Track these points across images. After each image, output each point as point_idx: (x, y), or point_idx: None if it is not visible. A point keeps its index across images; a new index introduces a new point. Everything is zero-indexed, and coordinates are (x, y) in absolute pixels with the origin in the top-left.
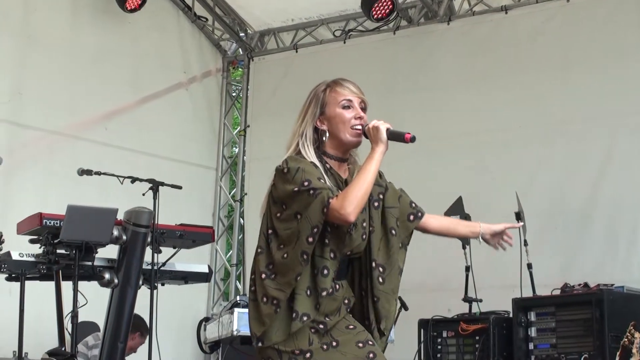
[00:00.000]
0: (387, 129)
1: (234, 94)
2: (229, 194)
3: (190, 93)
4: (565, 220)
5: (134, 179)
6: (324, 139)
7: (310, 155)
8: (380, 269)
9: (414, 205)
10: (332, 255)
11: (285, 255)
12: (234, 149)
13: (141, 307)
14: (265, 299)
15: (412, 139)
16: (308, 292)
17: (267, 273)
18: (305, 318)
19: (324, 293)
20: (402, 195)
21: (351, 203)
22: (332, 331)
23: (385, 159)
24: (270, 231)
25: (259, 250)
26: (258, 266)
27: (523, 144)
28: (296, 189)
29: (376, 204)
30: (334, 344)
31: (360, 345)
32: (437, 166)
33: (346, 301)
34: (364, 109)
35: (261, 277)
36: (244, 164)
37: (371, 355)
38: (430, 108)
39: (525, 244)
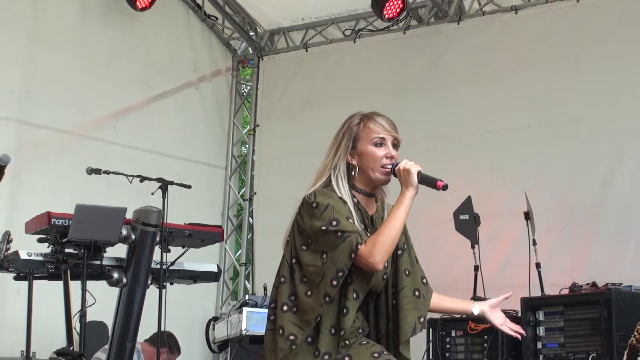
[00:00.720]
0: (419, 173)
1: (243, 93)
2: (238, 193)
3: (200, 92)
4: (574, 219)
5: (143, 178)
6: (353, 173)
7: (343, 191)
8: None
9: (425, 281)
10: (354, 295)
11: (308, 293)
12: (244, 148)
13: (150, 307)
14: (282, 332)
15: (445, 187)
16: (332, 331)
17: (289, 305)
18: (327, 357)
19: (343, 332)
20: (416, 264)
21: (380, 252)
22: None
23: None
24: (294, 261)
25: (282, 279)
26: (280, 296)
27: (533, 144)
28: (324, 227)
29: (399, 252)
30: (346, 359)
31: (376, 355)
32: (446, 166)
33: (360, 331)
34: (396, 146)
35: (282, 309)
36: (253, 163)
37: None
38: (440, 108)
39: (534, 243)
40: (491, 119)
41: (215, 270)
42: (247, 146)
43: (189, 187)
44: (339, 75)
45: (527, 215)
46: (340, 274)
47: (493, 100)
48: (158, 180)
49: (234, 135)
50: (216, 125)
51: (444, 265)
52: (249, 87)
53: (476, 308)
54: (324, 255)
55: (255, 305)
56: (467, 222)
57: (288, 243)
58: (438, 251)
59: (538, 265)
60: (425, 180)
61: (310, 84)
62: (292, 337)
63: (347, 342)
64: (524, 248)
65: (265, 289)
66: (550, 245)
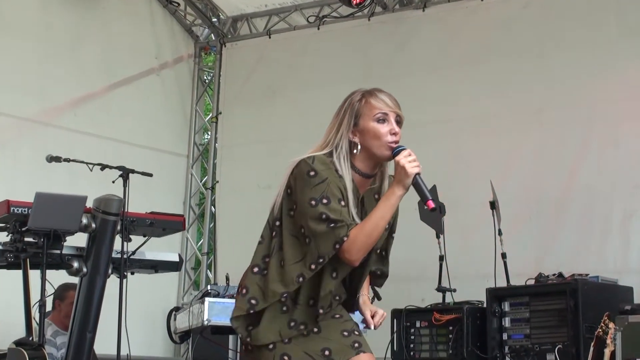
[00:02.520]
0: (415, 176)
1: (206, 80)
2: (200, 181)
3: (162, 79)
4: (540, 209)
5: (103, 166)
6: (354, 151)
7: (344, 171)
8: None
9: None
10: (334, 274)
11: (282, 263)
12: (206, 135)
13: (110, 296)
14: (245, 292)
15: (433, 210)
16: (311, 303)
17: (260, 267)
18: (302, 327)
19: (321, 310)
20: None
21: (360, 250)
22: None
23: None
24: (277, 223)
25: (260, 240)
26: (254, 256)
27: (498, 132)
28: (313, 201)
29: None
30: (315, 329)
31: (346, 334)
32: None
33: (337, 297)
34: (399, 123)
35: (252, 270)
36: (215, 151)
37: (356, 344)
38: (405, 95)
39: (500, 233)
40: (456, 106)
41: (177, 259)
42: (209, 134)
43: (150, 175)
44: (302, 63)
45: (493, 205)
46: (321, 260)
47: (458, 87)
48: (119, 168)
49: (196, 123)
50: (178, 112)
51: (410, 255)
52: (211, 74)
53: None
54: (306, 235)
55: (217, 295)
56: (431, 211)
57: (274, 205)
58: (403, 241)
59: (504, 256)
60: (418, 189)
61: (273, 71)
62: (253, 302)
63: (322, 310)
64: (489, 238)
65: (227, 278)
66: (516, 235)
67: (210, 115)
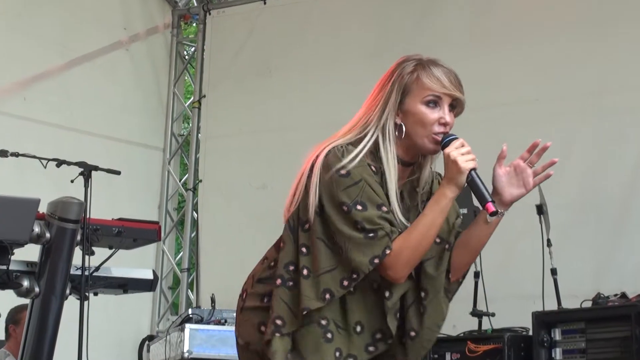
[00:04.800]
0: (470, 173)
1: (186, 56)
2: (180, 181)
3: (132, 55)
4: (599, 214)
5: (60, 162)
6: (397, 134)
7: (390, 164)
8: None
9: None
10: (386, 294)
11: (305, 272)
12: (186, 124)
13: (68, 322)
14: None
15: (494, 214)
16: (358, 329)
17: (284, 278)
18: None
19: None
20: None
21: (405, 267)
22: None
23: None
24: (306, 225)
25: (282, 244)
26: (278, 264)
27: (546, 120)
28: (345, 207)
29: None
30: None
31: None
32: None
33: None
34: (455, 108)
35: (276, 283)
36: (198, 144)
37: None
38: None
39: (549, 244)
40: (494, 89)
41: (151, 277)
42: (190, 122)
43: (117, 173)
44: (305, 34)
45: (540, 209)
46: (355, 276)
47: (496, 67)
48: (79, 164)
49: (175, 109)
50: (152, 96)
51: None
52: (193, 49)
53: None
54: (339, 244)
55: (200, 321)
56: (466, 217)
57: (293, 198)
58: None
59: (554, 272)
60: (475, 188)
61: (269, 44)
62: (278, 322)
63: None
64: (536, 250)
65: (212, 300)
66: (569, 247)
67: (192, 99)
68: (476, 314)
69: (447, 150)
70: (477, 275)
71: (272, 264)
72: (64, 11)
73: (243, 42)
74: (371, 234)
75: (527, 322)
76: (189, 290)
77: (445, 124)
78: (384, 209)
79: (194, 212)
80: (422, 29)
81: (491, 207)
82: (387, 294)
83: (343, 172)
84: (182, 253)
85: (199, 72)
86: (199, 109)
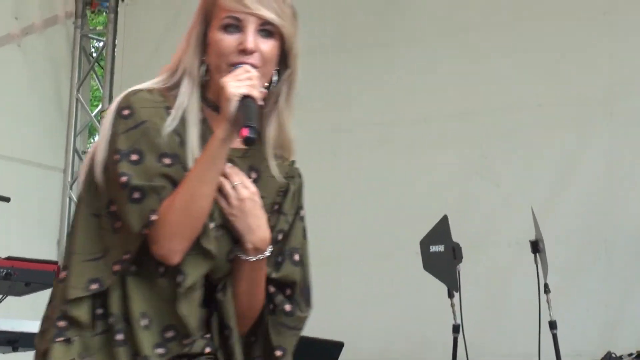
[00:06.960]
0: (245, 100)
1: (93, 53)
2: None
3: (24, 51)
4: (609, 250)
5: None
6: (204, 76)
7: (192, 105)
8: None
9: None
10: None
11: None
12: (92, 139)
13: None
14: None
15: (247, 140)
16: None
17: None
18: None
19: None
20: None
21: (172, 237)
22: None
23: (334, 149)
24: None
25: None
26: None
27: (544, 130)
28: (117, 155)
29: (276, 206)
30: None
31: None
32: (409, 164)
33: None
34: (272, 35)
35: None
36: None
37: None
38: (400, 76)
39: (547, 290)
40: (480, 93)
41: None
42: (98, 136)
43: (7, 200)
44: None
45: (536, 246)
46: (126, 256)
47: (482, 67)
48: None
49: (78, 120)
50: (50, 103)
51: (408, 326)
52: (101, 44)
53: None
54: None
55: None
56: (441, 256)
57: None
58: (397, 302)
59: (553, 325)
60: (241, 113)
61: None
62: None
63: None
64: (530, 297)
65: None
66: (572, 293)
67: (100, 107)
68: None
69: (223, 78)
70: (456, 329)
71: None
72: None
73: (164, 35)
74: (138, 195)
75: None
76: None
77: (245, 50)
78: (167, 161)
79: None
80: (392, 17)
81: (245, 132)
82: (180, 277)
83: (126, 112)
84: None
85: (108, 74)
86: None
